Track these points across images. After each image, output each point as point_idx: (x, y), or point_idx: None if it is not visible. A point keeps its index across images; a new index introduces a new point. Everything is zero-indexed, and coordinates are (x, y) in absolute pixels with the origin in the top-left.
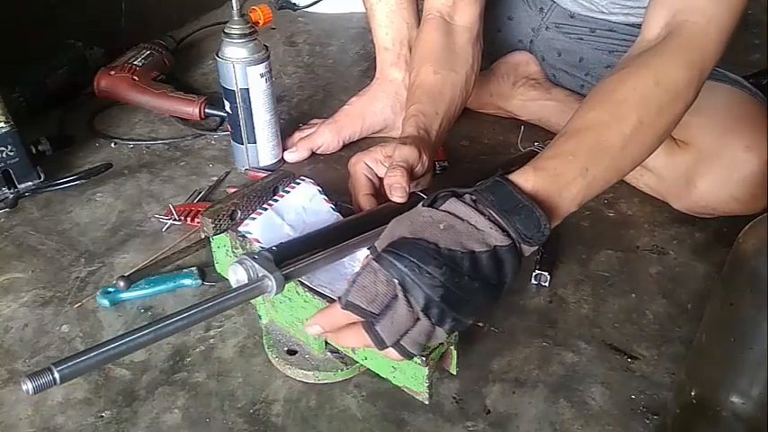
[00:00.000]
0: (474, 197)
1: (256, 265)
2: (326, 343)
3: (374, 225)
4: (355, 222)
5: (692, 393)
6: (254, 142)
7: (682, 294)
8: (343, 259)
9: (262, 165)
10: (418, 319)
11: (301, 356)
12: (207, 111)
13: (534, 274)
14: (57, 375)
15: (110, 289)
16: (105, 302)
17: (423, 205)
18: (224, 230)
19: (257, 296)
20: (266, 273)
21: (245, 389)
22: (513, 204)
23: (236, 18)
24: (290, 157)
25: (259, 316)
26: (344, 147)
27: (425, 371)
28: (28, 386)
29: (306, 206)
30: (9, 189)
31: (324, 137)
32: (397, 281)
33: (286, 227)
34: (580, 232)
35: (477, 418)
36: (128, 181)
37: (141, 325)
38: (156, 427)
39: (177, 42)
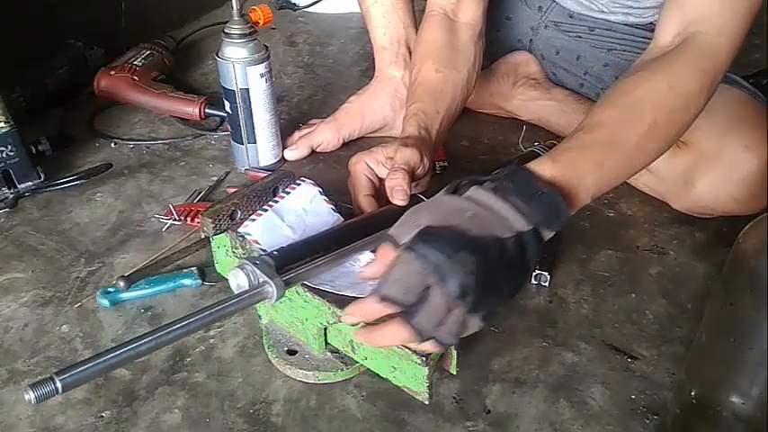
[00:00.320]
0: (494, 184)
1: (257, 271)
2: (326, 343)
3: (375, 228)
4: (356, 225)
5: (692, 393)
6: (254, 142)
7: (682, 294)
8: None
9: (262, 165)
10: (451, 308)
11: (301, 356)
12: (207, 111)
13: (534, 274)
14: (59, 385)
15: (110, 289)
16: (105, 302)
17: (445, 193)
18: (224, 230)
19: (258, 302)
20: (267, 279)
21: (245, 389)
22: (534, 191)
23: (236, 18)
24: (290, 155)
25: (259, 316)
26: (344, 145)
27: (425, 371)
28: (30, 396)
29: (306, 207)
30: (9, 189)
31: (324, 135)
32: (431, 270)
33: (286, 228)
34: (580, 232)
35: (477, 418)
36: (128, 181)
37: (141, 333)
38: (156, 427)
39: (177, 42)
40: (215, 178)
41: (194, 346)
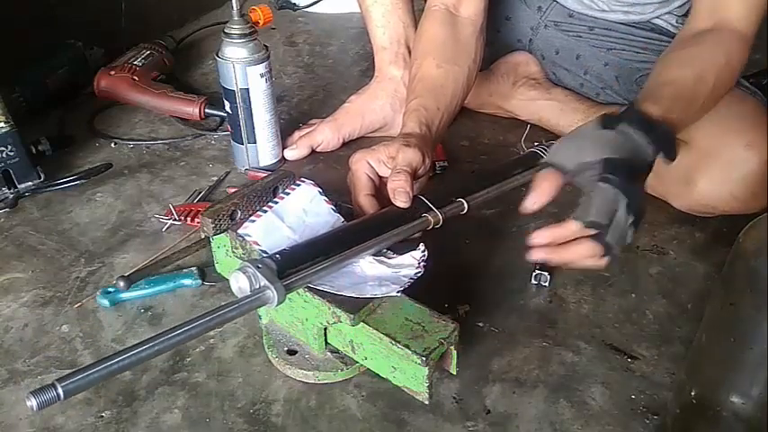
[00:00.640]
0: (626, 121)
1: (259, 274)
2: (326, 343)
3: (377, 231)
4: (358, 228)
5: (692, 393)
6: (254, 142)
7: (682, 294)
8: None
9: (262, 165)
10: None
11: (301, 356)
12: (207, 111)
13: (534, 274)
14: (60, 391)
15: (110, 289)
16: (105, 302)
17: (602, 127)
18: (224, 230)
19: (258, 307)
20: (268, 283)
21: (245, 389)
22: (655, 128)
23: (236, 18)
24: (290, 154)
25: (259, 316)
26: (344, 145)
27: (425, 371)
28: (32, 402)
29: (306, 208)
30: (9, 189)
31: (324, 134)
32: (623, 196)
33: (286, 229)
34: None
35: (477, 418)
36: (128, 181)
37: (142, 335)
38: (156, 427)
39: (177, 42)
40: (215, 178)
41: (194, 345)
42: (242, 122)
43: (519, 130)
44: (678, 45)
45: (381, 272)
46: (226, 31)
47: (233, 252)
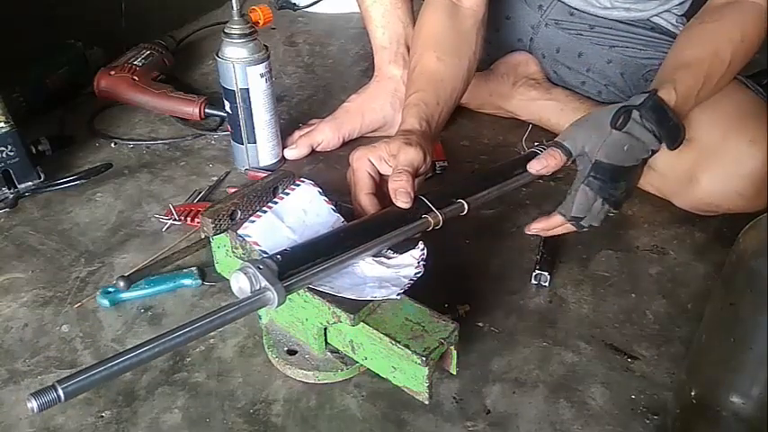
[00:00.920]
0: (641, 113)
1: (259, 275)
2: (326, 343)
3: (378, 231)
4: (358, 228)
5: (692, 393)
6: (254, 142)
7: (682, 294)
8: None
9: (262, 165)
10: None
11: (301, 356)
12: (207, 111)
13: (534, 274)
14: (61, 393)
15: (110, 289)
16: (105, 302)
17: (612, 126)
18: (224, 230)
19: (259, 308)
20: (268, 284)
21: (245, 389)
22: (667, 121)
23: (236, 18)
24: (290, 154)
25: (259, 316)
26: (344, 144)
27: (425, 371)
28: (33, 404)
29: (306, 208)
30: (9, 189)
31: (324, 134)
32: (602, 196)
33: (286, 229)
34: (580, 232)
35: (477, 418)
36: (128, 181)
37: (142, 336)
38: (156, 427)
39: (177, 42)
40: (215, 178)
41: (194, 346)
42: (242, 122)
43: (519, 130)
44: (698, 19)
45: (381, 273)
46: (226, 31)
47: (233, 252)
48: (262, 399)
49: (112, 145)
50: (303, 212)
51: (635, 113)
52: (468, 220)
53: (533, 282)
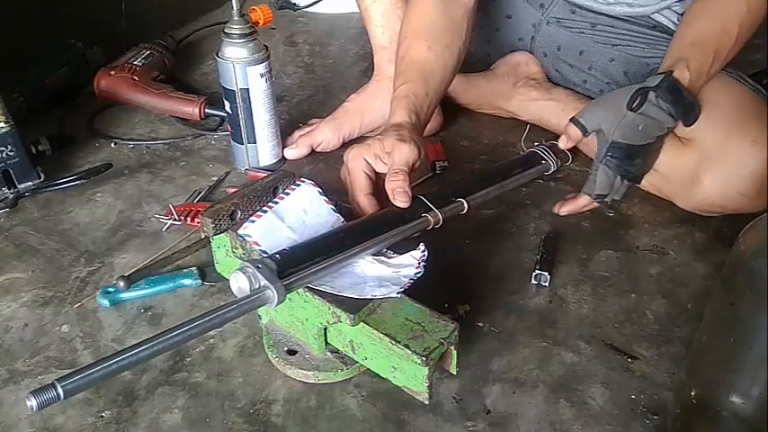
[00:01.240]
0: (657, 94)
1: (258, 274)
2: (326, 343)
3: (378, 231)
4: (358, 228)
5: (692, 393)
6: (254, 142)
7: (682, 294)
8: None
9: (262, 165)
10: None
11: (301, 356)
12: (207, 111)
13: (534, 274)
14: (60, 391)
15: (110, 289)
16: (105, 302)
17: (628, 108)
18: (224, 230)
19: (258, 307)
20: (267, 283)
21: (245, 389)
22: (682, 99)
23: (236, 18)
24: (290, 153)
25: (259, 316)
26: (344, 145)
27: (425, 371)
28: (32, 402)
29: (306, 208)
30: (9, 189)
31: (324, 134)
32: (620, 174)
33: (286, 229)
34: (580, 232)
35: (477, 418)
36: (128, 181)
37: (141, 337)
38: (156, 427)
39: (177, 42)
40: (215, 178)
41: (194, 345)
42: (242, 122)
43: (519, 130)
44: None
45: (381, 272)
46: (226, 31)
47: (233, 252)
48: (262, 399)
49: (112, 145)
50: (303, 212)
51: (651, 95)
52: (468, 220)
53: (533, 282)
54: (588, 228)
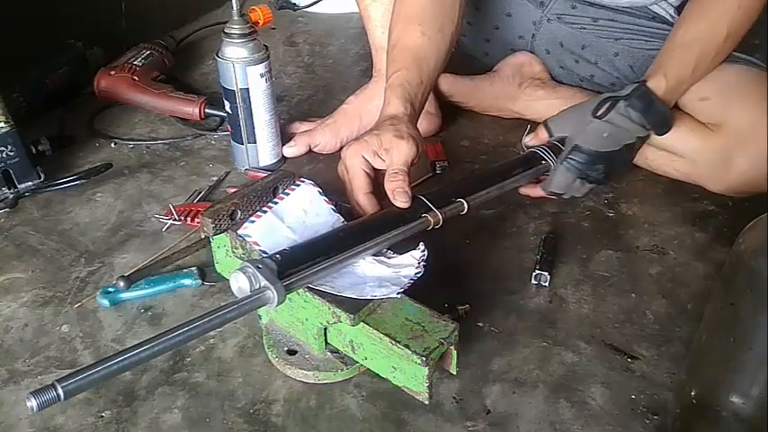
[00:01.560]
0: (627, 104)
1: (259, 275)
2: (326, 343)
3: (378, 231)
4: (358, 228)
5: (692, 393)
6: (254, 142)
7: (682, 294)
8: None
9: (262, 165)
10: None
11: (301, 356)
12: (207, 111)
13: (534, 274)
14: (60, 391)
15: (110, 289)
16: (105, 302)
17: (592, 115)
18: (224, 230)
19: (258, 307)
20: (268, 283)
21: (245, 389)
22: (654, 109)
23: (236, 18)
24: (289, 152)
25: (259, 316)
26: (343, 147)
27: (425, 371)
28: (32, 403)
29: (306, 208)
30: (9, 189)
31: (323, 136)
32: (578, 176)
33: (286, 229)
34: (580, 232)
35: (477, 418)
36: (128, 181)
37: (142, 337)
38: (156, 427)
39: (177, 42)
40: (215, 178)
41: (194, 345)
42: (242, 122)
43: (519, 130)
44: None
45: (381, 272)
46: (226, 31)
47: (233, 252)
48: (262, 399)
49: (112, 145)
50: (303, 212)
51: (621, 104)
52: (467, 220)
53: (533, 282)
54: (588, 228)
